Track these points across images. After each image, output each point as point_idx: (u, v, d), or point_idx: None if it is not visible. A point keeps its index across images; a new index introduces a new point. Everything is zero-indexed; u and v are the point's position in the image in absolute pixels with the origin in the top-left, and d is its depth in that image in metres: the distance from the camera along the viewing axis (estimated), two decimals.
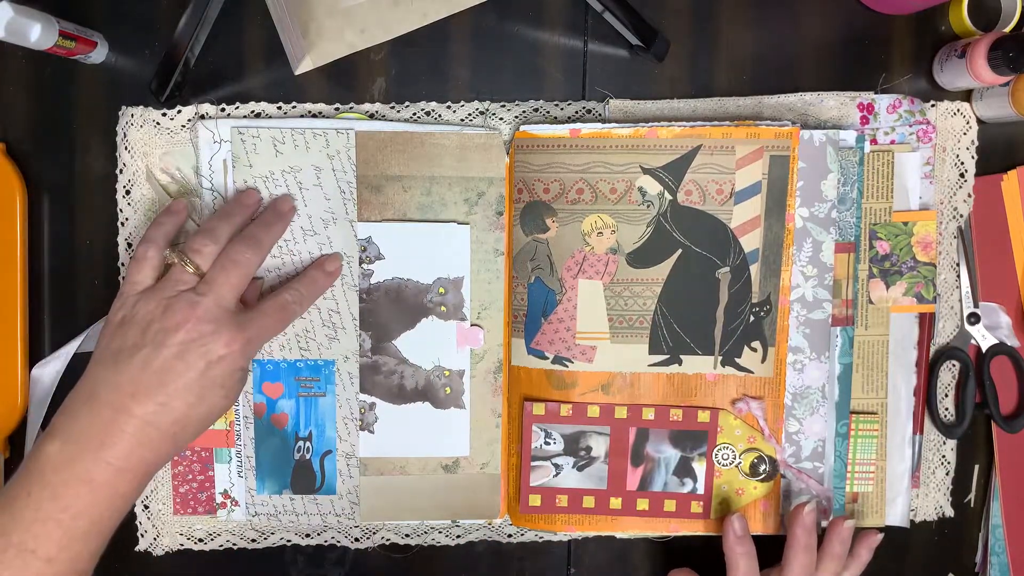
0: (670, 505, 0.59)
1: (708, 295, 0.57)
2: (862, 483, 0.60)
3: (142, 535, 0.59)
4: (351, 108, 0.58)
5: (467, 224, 0.58)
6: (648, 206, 0.57)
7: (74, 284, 0.59)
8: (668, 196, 0.57)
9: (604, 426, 0.58)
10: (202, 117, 0.57)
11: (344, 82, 0.58)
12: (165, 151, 0.57)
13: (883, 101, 0.59)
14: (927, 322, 0.60)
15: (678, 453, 0.58)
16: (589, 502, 0.59)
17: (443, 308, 0.58)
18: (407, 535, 0.61)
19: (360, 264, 0.57)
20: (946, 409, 0.62)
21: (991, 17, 0.60)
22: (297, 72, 0.50)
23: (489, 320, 0.58)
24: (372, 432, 0.58)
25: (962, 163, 0.60)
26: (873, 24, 0.60)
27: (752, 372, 0.58)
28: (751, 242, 0.57)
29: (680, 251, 0.57)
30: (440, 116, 0.58)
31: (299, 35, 0.49)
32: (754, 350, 0.58)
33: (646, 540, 0.62)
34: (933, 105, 0.60)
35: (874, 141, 0.59)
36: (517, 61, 0.59)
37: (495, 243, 0.58)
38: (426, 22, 0.50)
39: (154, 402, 0.45)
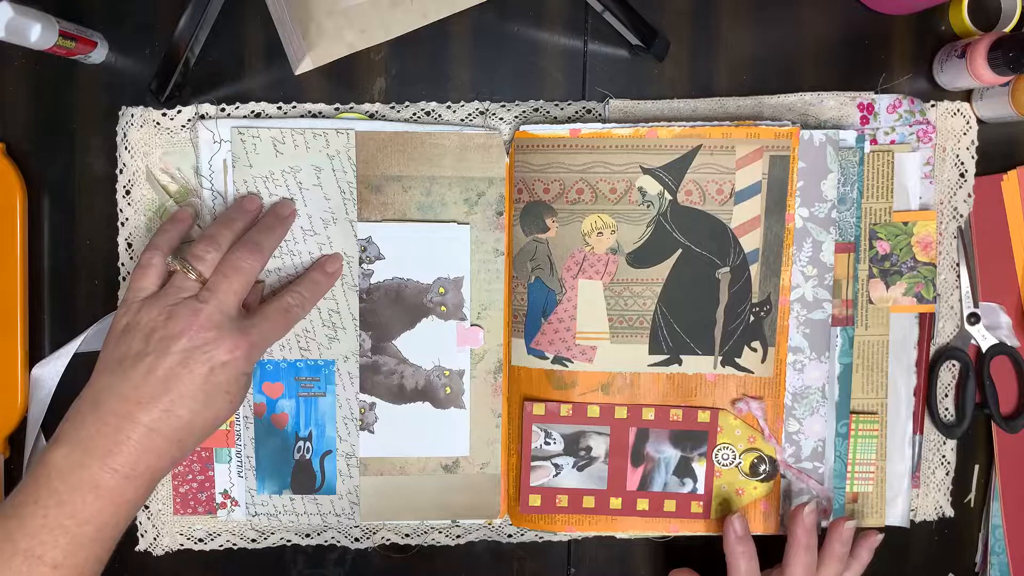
0: (670, 505, 0.59)
1: (708, 295, 0.57)
2: (862, 483, 0.60)
3: (142, 535, 0.59)
4: (351, 108, 0.58)
5: (467, 224, 0.58)
6: (648, 206, 0.57)
7: (74, 284, 0.59)
8: (668, 196, 0.57)
9: (604, 426, 0.58)
10: (202, 117, 0.57)
11: (344, 82, 0.58)
12: (165, 151, 0.57)
13: (883, 101, 0.59)
14: (927, 322, 0.60)
15: (678, 453, 0.58)
16: (589, 502, 0.59)
17: (443, 308, 0.58)
18: (407, 535, 0.61)
19: (360, 264, 0.57)
20: (946, 409, 0.62)
21: (991, 17, 0.60)
22: (297, 72, 0.50)
23: (489, 320, 0.58)
24: (372, 432, 0.58)
25: (962, 163, 0.60)
26: (873, 24, 0.60)
27: (752, 372, 0.58)
28: (751, 242, 0.57)
29: (680, 251, 0.57)
30: (440, 116, 0.58)
31: (299, 35, 0.49)
32: (754, 350, 0.58)
33: (646, 540, 0.62)
34: (933, 105, 0.60)
35: (874, 141, 0.59)
36: (517, 61, 0.59)
37: (495, 243, 0.58)
38: (426, 22, 0.50)
39: (159, 409, 0.45)
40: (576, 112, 0.59)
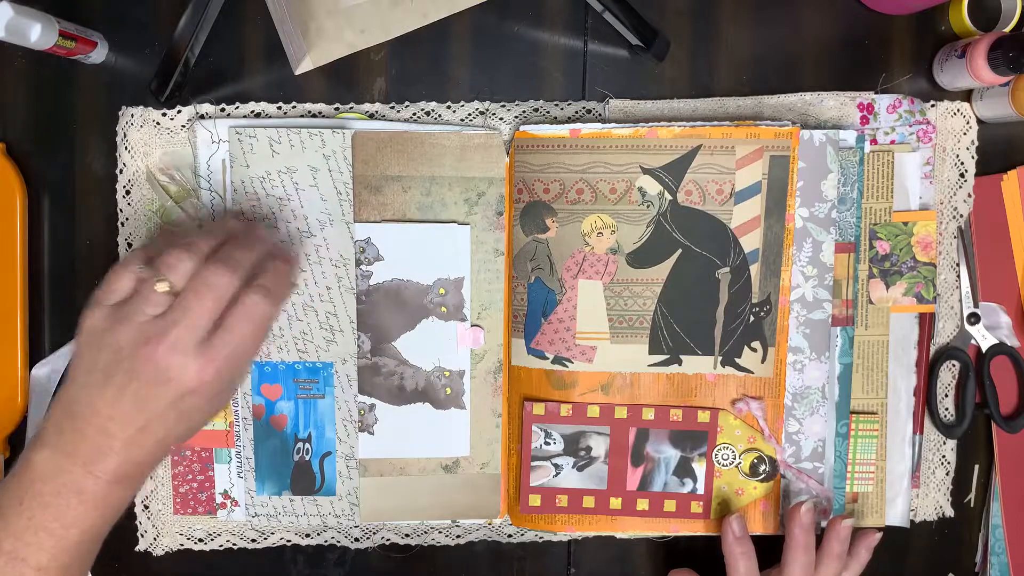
0: (670, 505, 0.59)
1: (708, 295, 0.57)
2: (862, 483, 0.60)
3: (142, 535, 0.59)
4: (351, 108, 0.58)
5: (467, 224, 0.58)
6: (648, 206, 0.57)
7: (74, 284, 0.59)
8: (668, 196, 0.57)
9: (604, 426, 0.58)
10: (201, 117, 0.57)
11: (344, 82, 0.58)
12: (165, 151, 0.57)
13: (883, 101, 0.59)
14: (927, 322, 0.60)
15: (678, 453, 0.58)
16: (589, 502, 0.59)
17: (443, 308, 0.58)
18: (407, 535, 0.61)
19: (359, 265, 0.57)
20: (946, 409, 0.62)
21: (991, 17, 0.60)
22: (297, 72, 0.50)
23: (489, 320, 0.58)
24: (372, 433, 0.58)
25: (962, 163, 0.60)
26: (873, 24, 0.60)
27: (752, 372, 0.58)
28: (751, 242, 0.57)
29: (680, 251, 0.57)
30: (440, 116, 0.58)
31: (299, 35, 0.49)
32: (754, 350, 0.58)
33: (646, 540, 0.62)
34: (933, 105, 0.60)
35: (874, 141, 0.59)
36: (517, 61, 0.59)
37: (495, 243, 0.58)
38: (426, 22, 0.50)
39: (134, 427, 0.44)
40: (576, 112, 0.59)
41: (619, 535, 0.61)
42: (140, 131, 0.57)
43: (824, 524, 0.58)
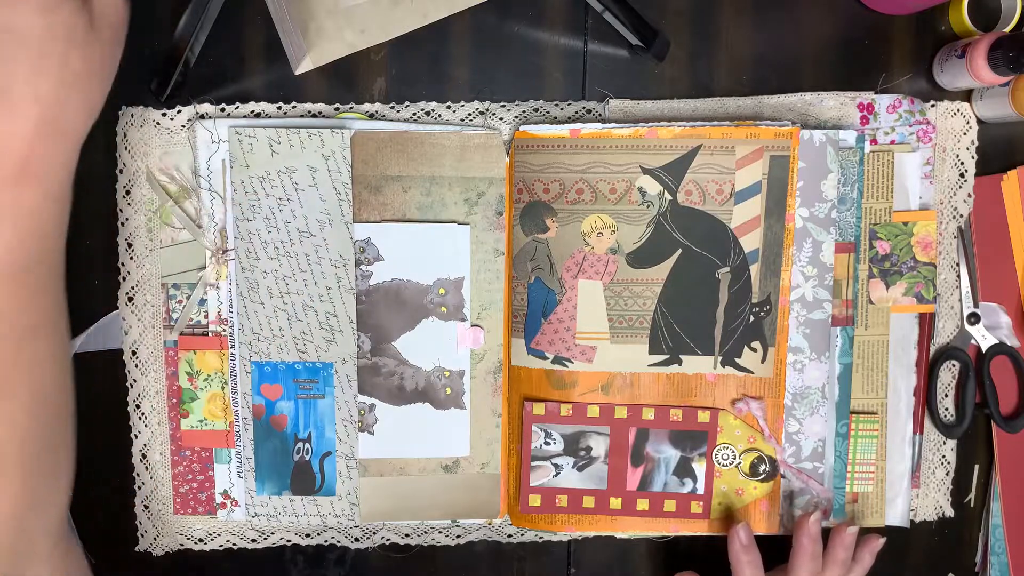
0: (670, 505, 0.59)
1: (708, 295, 0.57)
2: (862, 483, 0.60)
3: (142, 535, 0.59)
4: (351, 108, 0.58)
5: (467, 224, 0.58)
6: (648, 206, 0.57)
7: (74, 284, 0.59)
8: (668, 196, 0.57)
9: (604, 426, 0.58)
10: (201, 117, 0.57)
11: (344, 82, 0.58)
12: (165, 151, 0.57)
13: (883, 101, 0.59)
14: (927, 322, 0.60)
15: (678, 453, 0.58)
16: (589, 502, 0.59)
17: (443, 309, 0.58)
18: (407, 535, 0.61)
19: (359, 265, 0.57)
20: (946, 409, 0.62)
21: (991, 17, 0.60)
22: (297, 72, 0.50)
23: (489, 320, 0.58)
24: (372, 434, 0.58)
25: (962, 163, 0.60)
26: (873, 24, 0.60)
27: (752, 372, 0.58)
28: (751, 242, 0.57)
29: (680, 251, 0.57)
30: (440, 116, 0.58)
31: (299, 35, 0.49)
32: (754, 350, 0.58)
33: (646, 540, 0.62)
34: (933, 105, 0.60)
35: (874, 141, 0.59)
36: (517, 61, 0.59)
37: (495, 243, 0.58)
38: (426, 22, 0.50)
39: None
40: (576, 112, 0.59)
41: (619, 535, 0.61)
42: (140, 131, 0.57)
43: (826, 524, 0.58)
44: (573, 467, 0.59)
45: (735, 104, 0.59)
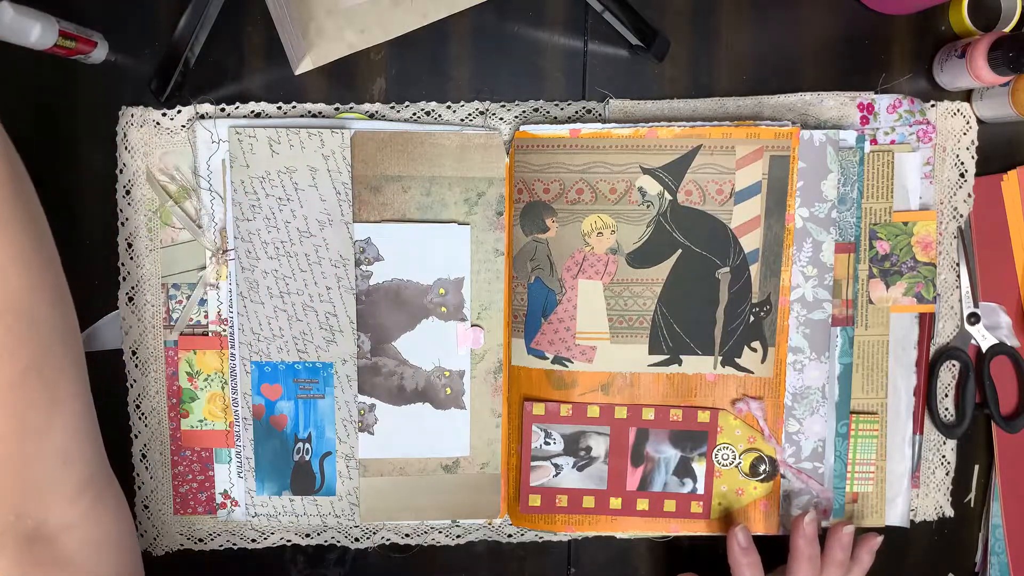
0: (670, 505, 0.59)
1: (708, 295, 0.57)
2: (862, 483, 0.60)
3: (142, 535, 0.59)
4: (351, 108, 0.58)
5: (467, 224, 0.58)
6: (648, 206, 0.57)
7: (74, 284, 0.59)
8: (668, 196, 0.57)
9: (604, 426, 0.58)
10: (201, 117, 0.57)
11: (344, 82, 0.58)
12: (165, 151, 0.57)
13: (883, 101, 0.59)
14: (927, 322, 0.60)
15: (678, 453, 0.58)
16: (589, 502, 0.59)
17: (443, 309, 0.58)
18: (407, 535, 0.61)
19: (359, 265, 0.57)
20: (946, 409, 0.62)
21: (991, 17, 0.60)
22: (297, 72, 0.50)
23: (489, 320, 0.58)
24: (372, 434, 0.58)
25: (962, 163, 0.60)
26: (873, 24, 0.60)
27: (752, 372, 0.58)
28: (751, 242, 0.57)
29: (680, 251, 0.57)
30: (440, 116, 0.58)
31: (299, 35, 0.49)
32: (754, 350, 0.58)
33: (646, 540, 0.62)
34: (933, 105, 0.60)
35: (874, 141, 0.59)
36: (517, 61, 0.59)
37: (495, 243, 0.58)
38: (426, 22, 0.50)
39: None
40: (576, 112, 0.59)
41: (619, 535, 0.61)
42: (140, 131, 0.57)
43: (826, 525, 0.58)
44: (573, 467, 0.59)
45: (735, 104, 0.59)
